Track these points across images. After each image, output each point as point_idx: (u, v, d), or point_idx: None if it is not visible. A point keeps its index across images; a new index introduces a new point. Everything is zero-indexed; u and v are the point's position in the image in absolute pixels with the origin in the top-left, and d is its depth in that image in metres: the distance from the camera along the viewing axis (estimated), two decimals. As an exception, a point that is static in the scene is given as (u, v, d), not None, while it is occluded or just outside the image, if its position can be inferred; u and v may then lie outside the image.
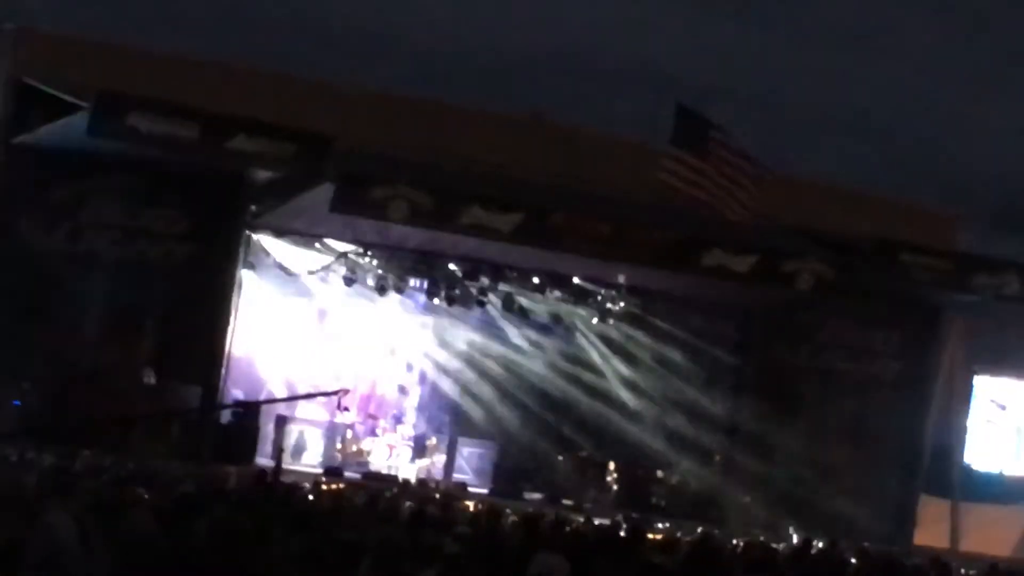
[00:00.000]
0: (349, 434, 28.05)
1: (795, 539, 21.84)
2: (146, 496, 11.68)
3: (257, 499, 13.24)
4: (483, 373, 29.66)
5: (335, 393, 24.06)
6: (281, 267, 27.21)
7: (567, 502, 27.02)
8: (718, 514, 27.51)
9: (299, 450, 28.14)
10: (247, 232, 26.27)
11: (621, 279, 28.42)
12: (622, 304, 29.14)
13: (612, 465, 28.89)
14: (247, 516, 9.10)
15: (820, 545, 17.97)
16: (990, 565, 16.74)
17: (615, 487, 28.49)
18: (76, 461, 17.33)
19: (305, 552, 7.36)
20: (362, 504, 15.87)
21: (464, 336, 29.71)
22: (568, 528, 15.03)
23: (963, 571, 19.71)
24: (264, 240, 26.74)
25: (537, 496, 27.96)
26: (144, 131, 22.85)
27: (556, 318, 29.77)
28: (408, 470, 27.76)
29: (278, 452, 21.31)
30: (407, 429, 28.95)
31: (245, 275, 26.72)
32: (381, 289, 28.09)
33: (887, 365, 29.19)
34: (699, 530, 21.46)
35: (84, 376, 24.47)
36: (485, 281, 28.33)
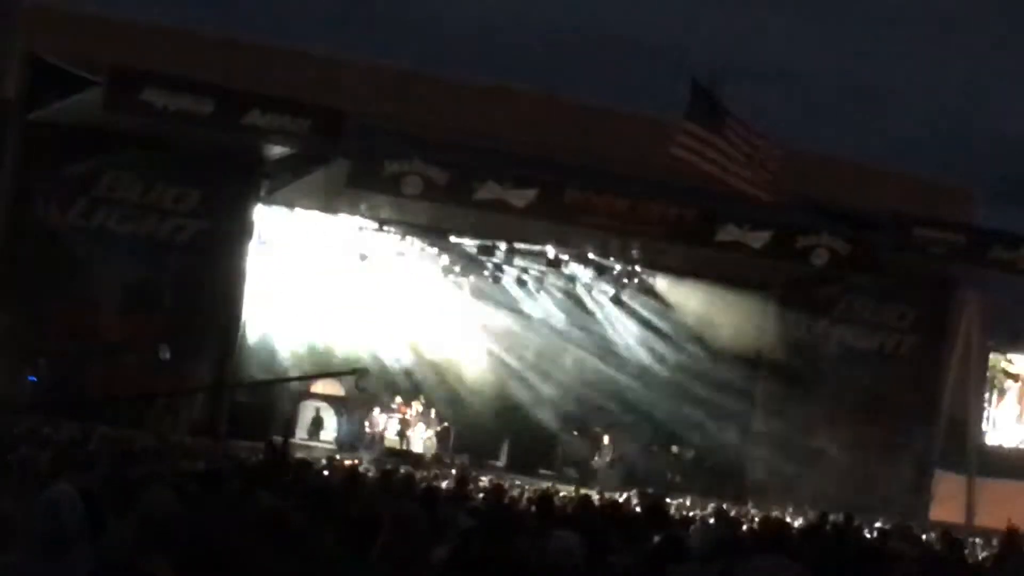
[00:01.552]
0: (366, 410, 28.04)
1: (811, 514, 21.79)
2: (163, 473, 11.68)
3: (271, 475, 13.22)
4: (499, 348, 29.63)
5: (352, 372, 23.98)
6: (295, 243, 27.21)
7: (581, 477, 27.04)
8: (733, 490, 27.53)
9: (314, 426, 28.21)
10: (261, 207, 26.27)
11: (636, 254, 28.38)
12: (638, 279, 29.09)
13: (627, 440, 28.86)
14: (262, 492, 9.09)
15: (836, 520, 17.92)
16: (1008, 529, 16.60)
17: (630, 463, 28.48)
18: (92, 437, 17.36)
19: (318, 528, 7.35)
20: (376, 479, 15.85)
21: (480, 311, 29.65)
22: (583, 504, 14.99)
23: (976, 541, 19.66)
24: (278, 215, 26.74)
25: (551, 472, 27.97)
26: (158, 106, 22.87)
27: (571, 292, 29.73)
28: (423, 445, 27.77)
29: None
30: (422, 405, 28.98)
31: (259, 250, 26.71)
32: (396, 264, 28.07)
33: (903, 340, 29.11)
34: (713, 506, 21.45)
35: (100, 352, 24.53)
36: (500, 256, 28.32)
